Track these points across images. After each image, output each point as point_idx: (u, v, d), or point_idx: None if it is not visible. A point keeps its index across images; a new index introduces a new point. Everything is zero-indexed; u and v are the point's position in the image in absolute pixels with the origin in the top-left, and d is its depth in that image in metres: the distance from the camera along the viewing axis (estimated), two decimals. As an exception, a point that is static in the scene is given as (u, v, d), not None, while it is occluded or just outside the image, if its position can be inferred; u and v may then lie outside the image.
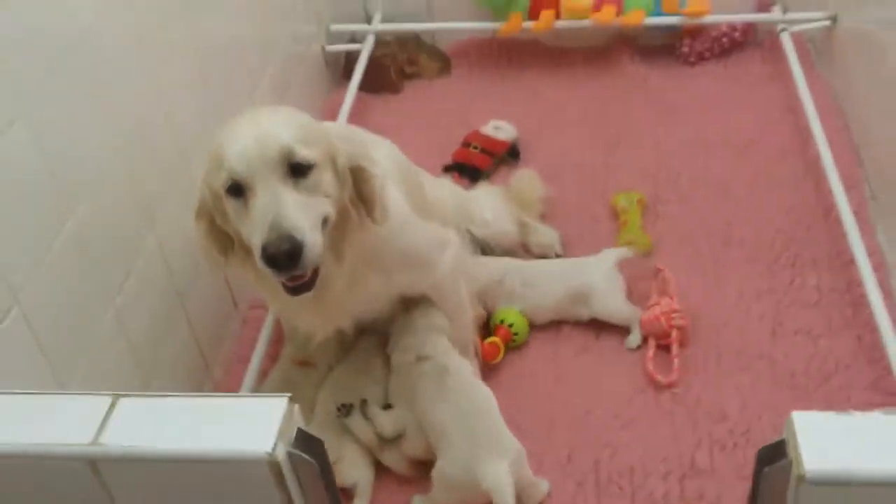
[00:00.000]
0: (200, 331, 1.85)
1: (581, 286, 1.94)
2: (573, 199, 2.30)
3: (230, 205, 1.38)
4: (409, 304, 1.77)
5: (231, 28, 2.07)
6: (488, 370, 1.87)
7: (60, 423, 0.93)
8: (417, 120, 2.63)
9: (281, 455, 0.89)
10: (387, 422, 1.68)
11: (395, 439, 1.67)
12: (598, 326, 1.95)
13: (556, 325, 1.98)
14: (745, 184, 2.30)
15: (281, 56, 2.35)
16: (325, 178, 1.39)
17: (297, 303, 1.47)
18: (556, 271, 2.00)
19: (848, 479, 0.81)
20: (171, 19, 1.76)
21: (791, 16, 2.67)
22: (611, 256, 2.00)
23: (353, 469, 1.66)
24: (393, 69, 2.75)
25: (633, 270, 2.03)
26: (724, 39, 2.73)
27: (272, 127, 1.36)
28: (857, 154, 2.31)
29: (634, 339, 1.90)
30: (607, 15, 2.64)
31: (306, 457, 0.91)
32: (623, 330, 1.93)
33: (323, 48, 2.72)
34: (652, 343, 1.89)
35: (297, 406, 0.93)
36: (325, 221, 1.39)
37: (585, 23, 2.67)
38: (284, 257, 1.30)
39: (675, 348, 1.86)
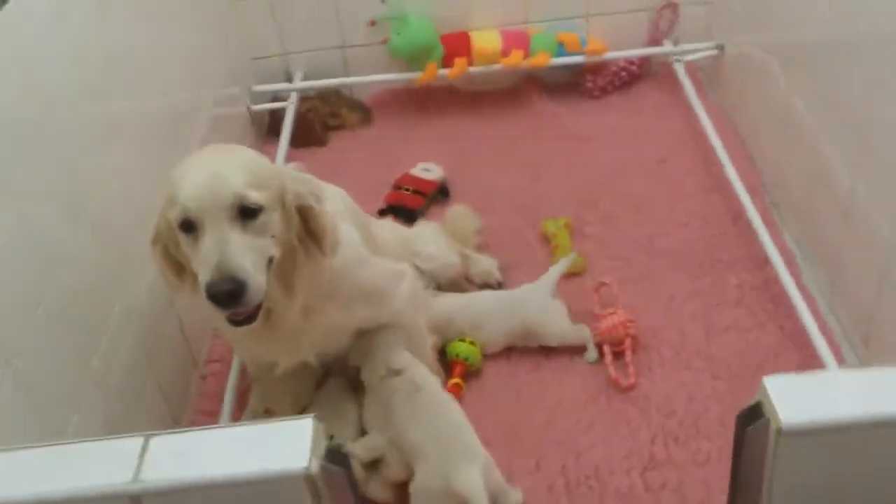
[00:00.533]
0: (168, 388, 1.89)
1: (523, 322, 2.04)
2: (505, 229, 2.43)
3: (182, 238, 1.45)
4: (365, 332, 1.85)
5: (162, 101, 2.14)
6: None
7: (98, 466, 0.98)
8: (345, 168, 2.72)
9: (315, 469, 0.96)
10: (359, 447, 1.74)
11: (376, 467, 1.74)
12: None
13: (508, 348, 2.09)
14: (659, 200, 2.49)
15: (207, 119, 2.42)
16: (272, 218, 1.46)
17: (251, 334, 1.55)
18: (500, 310, 2.07)
19: (819, 428, 0.95)
20: (114, 98, 1.84)
21: (682, 47, 2.91)
22: (548, 282, 2.09)
23: None
24: (317, 123, 2.85)
25: (572, 289, 2.17)
26: (624, 73, 2.95)
27: (225, 170, 1.43)
28: (754, 166, 2.54)
29: (592, 354, 2.02)
30: (516, 58, 2.83)
31: (337, 468, 0.99)
32: (571, 346, 2.06)
33: (248, 108, 2.80)
34: (607, 350, 2.01)
35: (321, 424, 1.01)
36: (270, 261, 1.47)
37: (496, 67, 2.84)
38: (225, 296, 1.38)
39: (628, 354, 2.00)
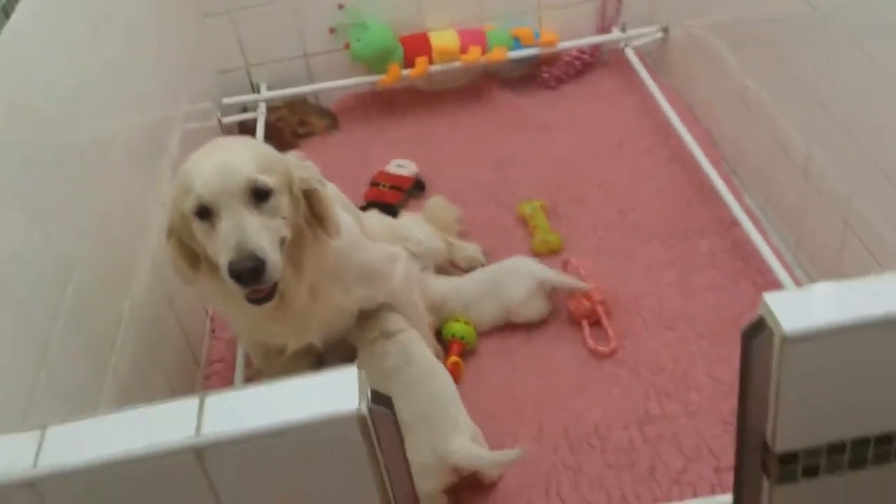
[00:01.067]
0: (176, 388, 1.92)
1: (506, 305, 2.13)
2: (483, 217, 2.52)
3: (198, 226, 1.51)
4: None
5: (139, 119, 2.18)
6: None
7: (159, 427, 1.03)
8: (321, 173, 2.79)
9: (365, 410, 1.03)
10: None
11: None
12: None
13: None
14: (625, 178, 2.61)
15: (180, 135, 2.45)
16: (282, 201, 1.54)
17: (264, 315, 1.61)
18: (482, 291, 2.15)
19: (820, 332, 1.04)
20: (102, 118, 1.89)
21: (630, 33, 3.05)
22: (542, 277, 2.14)
23: None
24: (287, 131, 2.92)
25: (550, 267, 2.26)
26: (577, 62, 3.08)
27: (235, 157, 1.51)
28: (712, 139, 2.68)
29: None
30: (474, 55, 2.93)
31: (383, 409, 1.06)
32: (561, 314, 2.16)
33: (219, 121, 2.85)
34: (585, 324, 2.11)
35: (364, 371, 1.08)
36: (282, 241, 1.54)
37: (456, 64, 2.95)
38: (248, 273, 1.45)
39: (605, 321, 2.10)
